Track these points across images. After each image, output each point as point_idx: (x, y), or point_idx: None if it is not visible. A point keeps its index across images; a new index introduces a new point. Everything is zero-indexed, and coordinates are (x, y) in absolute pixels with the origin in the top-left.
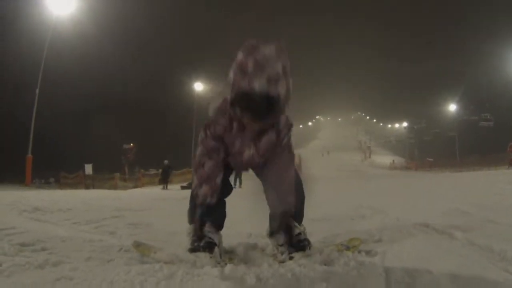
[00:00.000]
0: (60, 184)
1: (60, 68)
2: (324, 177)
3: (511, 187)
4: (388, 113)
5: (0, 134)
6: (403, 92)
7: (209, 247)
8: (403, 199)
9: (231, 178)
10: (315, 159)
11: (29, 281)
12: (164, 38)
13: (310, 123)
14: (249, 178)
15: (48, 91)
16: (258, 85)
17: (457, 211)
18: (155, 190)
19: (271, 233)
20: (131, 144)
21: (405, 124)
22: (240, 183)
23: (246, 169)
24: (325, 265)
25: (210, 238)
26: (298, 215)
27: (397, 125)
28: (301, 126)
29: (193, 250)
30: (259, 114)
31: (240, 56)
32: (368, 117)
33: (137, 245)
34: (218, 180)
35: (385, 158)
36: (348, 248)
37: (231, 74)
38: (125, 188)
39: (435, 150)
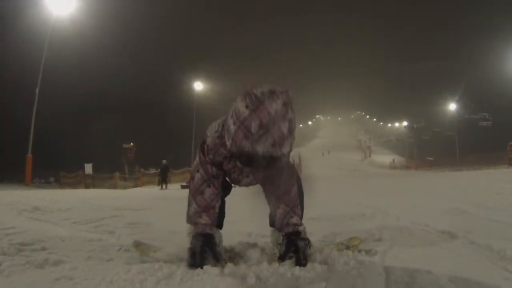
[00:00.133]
0: (60, 183)
1: (60, 68)
2: (324, 176)
3: (511, 186)
4: (388, 112)
5: (0, 134)
6: (403, 91)
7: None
8: (403, 198)
9: None
10: (315, 158)
11: (29, 280)
12: (164, 38)
13: (310, 122)
14: None
15: (48, 91)
16: (262, 149)
17: (457, 211)
18: (155, 190)
19: (281, 257)
20: (131, 144)
21: (405, 123)
22: None
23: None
24: (325, 264)
25: None
26: (297, 214)
27: (397, 124)
28: (301, 125)
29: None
30: (260, 169)
31: (243, 110)
32: (368, 116)
33: (137, 244)
34: (217, 206)
35: (385, 157)
36: (348, 248)
37: (231, 125)
38: (125, 187)
39: (435, 149)
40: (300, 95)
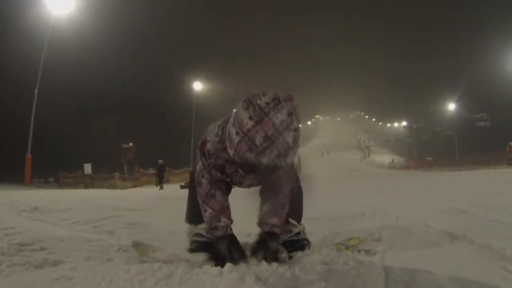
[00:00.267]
0: (60, 183)
1: (59, 67)
2: (323, 176)
3: (510, 186)
4: (387, 112)
5: (0, 134)
6: (403, 91)
7: (208, 246)
8: (402, 198)
9: None
10: (315, 158)
11: (28, 280)
12: (164, 38)
13: (309, 122)
14: None
15: (47, 91)
16: (267, 160)
17: (457, 210)
18: (154, 190)
19: (253, 249)
20: (131, 144)
21: (404, 123)
22: None
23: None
24: (324, 264)
25: (209, 238)
26: (297, 214)
27: (396, 124)
28: (300, 125)
29: (192, 250)
30: (265, 177)
31: (247, 121)
32: (367, 116)
33: (136, 244)
34: (229, 205)
35: (384, 157)
36: (347, 248)
37: (233, 134)
38: (124, 187)
39: (435, 149)
40: (299, 95)
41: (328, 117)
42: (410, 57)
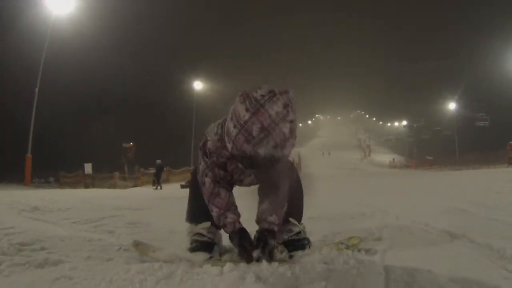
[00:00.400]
0: (60, 183)
1: (59, 67)
2: (323, 176)
3: (511, 185)
4: (387, 112)
5: (0, 134)
6: (403, 91)
7: (209, 246)
8: (402, 197)
9: None
10: (315, 158)
11: (29, 280)
12: (164, 38)
13: (309, 122)
14: None
15: (47, 91)
16: (264, 151)
17: (457, 210)
18: (153, 190)
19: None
20: (131, 143)
21: (404, 122)
22: None
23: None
24: (324, 263)
25: (209, 237)
26: (297, 213)
27: (396, 124)
28: (300, 124)
29: (192, 250)
30: (262, 170)
31: (243, 113)
32: (367, 116)
33: (137, 244)
34: (234, 201)
35: (384, 157)
36: (347, 247)
37: (231, 127)
38: (124, 187)
39: (435, 149)
40: (300, 94)
41: (328, 117)
42: (410, 57)
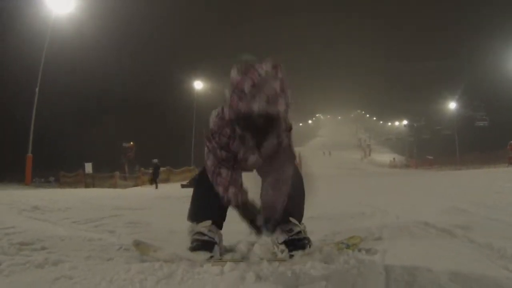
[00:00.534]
0: (60, 183)
1: (59, 67)
2: (323, 175)
3: (511, 185)
4: (387, 111)
5: (0, 134)
6: (403, 91)
7: (209, 245)
8: (402, 197)
9: None
10: (315, 157)
11: (29, 280)
12: (164, 38)
13: (310, 121)
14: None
15: (47, 91)
16: (257, 106)
17: (457, 209)
18: (154, 189)
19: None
20: (131, 143)
21: (405, 122)
22: None
23: (251, 170)
24: (325, 263)
25: (210, 236)
26: (298, 213)
27: (397, 123)
28: (300, 124)
29: (193, 249)
30: (260, 132)
31: (235, 76)
32: (368, 115)
33: (137, 244)
34: (239, 180)
35: (385, 156)
36: (348, 247)
37: (227, 94)
38: (125, 186)
39: (435, 148)
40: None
41: (328, 116)
42: (410, 57)
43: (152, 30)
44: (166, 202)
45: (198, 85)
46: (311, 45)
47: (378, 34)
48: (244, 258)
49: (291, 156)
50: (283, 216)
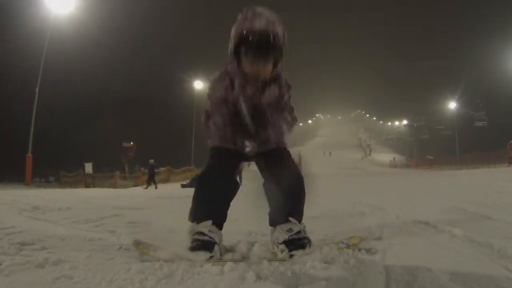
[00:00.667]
0: (60, 183)
1: (60, 67)
2: (324, 175)
3: (511, 184)
4: (388, 111)
5: (0, 134)
6: (403, 90)
7: (209, 245)
8: (403, 197)
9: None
10: (316, 157)
11: (29, 280)
12: (164, 37)
13: (310, 121)
14: (249, 178)
15: (48, 91)
16: (258, 24)
17: (457, 209)
18: (154, 189)
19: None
20: (131, 143)
21: (405, 121)
22: (241, 181)
23: (252, 158)
24: (325, 263)
25: (210, 236)
26: (297, 212)
27: (397, 123)
28: (301, 124)
29: (193, 248)
30: (261, 51)
31: (239, 17)
32: (368, 115)
33: (137, 243)
34: (229, 121)
35: (385, 156)
36: (348, 246)
37: (231, 35)
38: (125, 186)
39: (435, 148)
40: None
41: (328, 116)
42: (410, 57)
43: (152, 30)
44: (166, 202)
45: (198, 85)
46: (311, 45)
47: (378, 33)
48: (244, 258)
49: (289, 153)
50: (282, 216)
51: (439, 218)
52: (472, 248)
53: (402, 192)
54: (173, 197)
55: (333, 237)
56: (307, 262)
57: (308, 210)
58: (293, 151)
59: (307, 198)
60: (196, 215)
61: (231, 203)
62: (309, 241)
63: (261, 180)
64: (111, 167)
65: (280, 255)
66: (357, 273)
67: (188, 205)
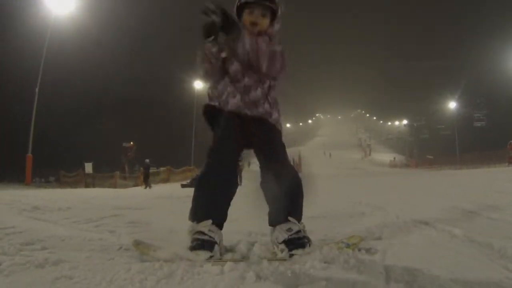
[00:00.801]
0: (60, 183)
1: (60, 67)
2: (324, 175)
3: (511, 184)
4: (388, 111)
5: (0, 134)
6: (403, 90)
7: (209, 245)
8: (403, 196)
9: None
10: (316, 157)
11: (29, 280)
12: (164, 37)
13: (310, 121)
14: (249, 178)
15: (48, 91)
16: None
17: (457, 209)
18: (154, 189)
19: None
20: (131, 143)
21: (405, 121)
22: (240, 181)
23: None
24: (325, 263)
25: (210, 236)
26: (297, 212)
27: (397, 123)
28: (301, 124)
29: (193, 248)
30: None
31: None
32: (368, 115)
33: (137, 243)
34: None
35: (385, 156)
36: (348, 246)
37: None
38: (125, 186)
39: (435, 148)
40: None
41: (328, 116)
42: (410, 57)
43: (152, 30)
44: (166, 202)
45: (198, 84)
46: (311, 45)
47: (378, 33)
48: (244, 258)
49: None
50: (282, 216)
51: (439, 218)
52: (472, 248)
53: (402, 192)
54: (173, 197)
55: (333, 237)
56: (307, 262)
57: (308, 210)
58: (293, 151)
59: (307, 198)
60: (196, 215)
61: (231, 203)
62: (308, 240)
63: (260, 180)
64: (111, 167)
65: (280, 255)
66: (357, 273)
67: (188, 205)
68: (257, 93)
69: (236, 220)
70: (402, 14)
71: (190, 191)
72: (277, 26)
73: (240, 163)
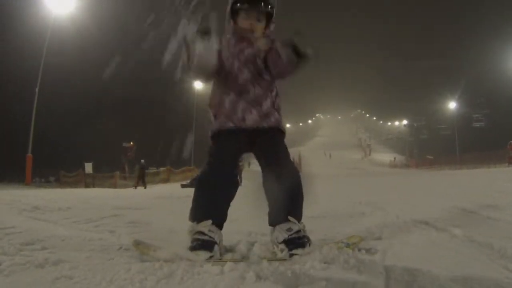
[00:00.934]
0: (60, 183)
1: (60, 67)
2: (324, 175)
3: (511, 184)
4: (388, 111)
5: (0, 134)
6: (403, 90)
7: (209, 245)
8: (403, 196)
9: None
10: (316, 157)
11: (29, 280)
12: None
13: (310, 121)
14: (249, 178)
15: (48, 91)
16: None
17: (457, 209)
18: (154, 189)
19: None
20: (131, 143)
21: (405, 121)
22: (241, 181)
23: (252, 148)
24: (325, 263)
25: (210, 236)
26: (297, 212)
27: (397, 123)
28: (301, 124)
29: (193, 248)
30: (255, 4)
31: None
32: (368, 115)
33: (137, 243)
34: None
35: (385, 156)
36: (348, 246)
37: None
38: (125, 186)
39: (435, 148)
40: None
41: (328, 116)
42: (410, 56)
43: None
44: (166, 202)
45: (198, 85)
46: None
47: (378, 32)
48: (244, 258)
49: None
50: (282, 216)
51: (439, 218)
52: (472, 248)
53: (402, 192)
54: (173, 197)
55: (333, 237)
56: (307, 262)
57: (308, 210)
58: (294, 151)
59: (307, 198)
60: (196, 215)
61: (231, 203)
62: (308, 240)
63: (261, 180)
64: (111, 167)
65: (280, 255)
66: (357, 273)
67: (188, 205)
68: (267, 103)
69: (236, 220)
70: (401, 13)
71: (190, 191)
72: (272, 26)
73: (240, 163)
